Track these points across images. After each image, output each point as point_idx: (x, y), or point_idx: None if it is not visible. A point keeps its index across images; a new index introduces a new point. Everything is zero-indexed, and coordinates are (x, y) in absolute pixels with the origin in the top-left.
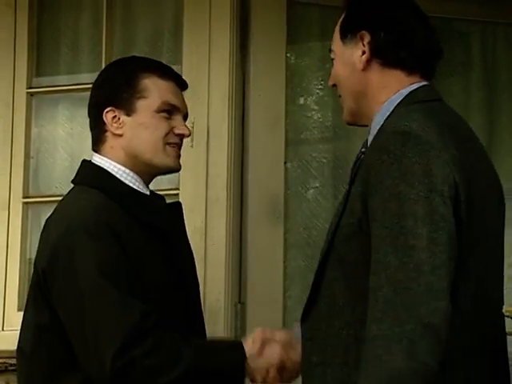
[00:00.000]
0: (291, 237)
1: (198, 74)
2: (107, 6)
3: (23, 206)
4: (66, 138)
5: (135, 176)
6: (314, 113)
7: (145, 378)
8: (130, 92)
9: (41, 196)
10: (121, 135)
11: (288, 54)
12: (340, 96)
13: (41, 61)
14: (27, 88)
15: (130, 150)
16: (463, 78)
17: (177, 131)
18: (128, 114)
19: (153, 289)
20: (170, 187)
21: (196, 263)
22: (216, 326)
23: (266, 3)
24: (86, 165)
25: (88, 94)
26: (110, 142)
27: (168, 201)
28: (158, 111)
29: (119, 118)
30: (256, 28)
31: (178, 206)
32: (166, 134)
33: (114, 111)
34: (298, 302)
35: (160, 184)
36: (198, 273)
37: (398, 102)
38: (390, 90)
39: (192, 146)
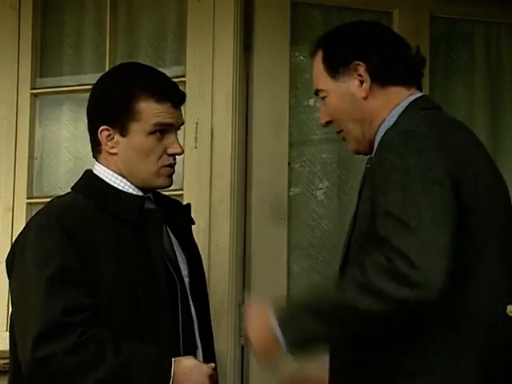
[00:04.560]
0: (295, 237)
1: (202, 75)
2: (111, 7)
3: (27, 207)
4: (70, 139)
5: (128, 182)
6: (318, 114)
7: (60, 375)
8: (125, 114)
9: (44, 197)
10: (115, 153)
11: (292, 55)
12: (341, 131)
13: (44, 62)
14: (31, 89)
15: (124, 168)
16: (467, 78)
17: (170, 151)
18: (122, 135)
19: (109, 278)
20: (174, 188)
21: None
22: (220, 326)
23: (269, 4)
24: (85, 173)
25: None
26: (105, 155)
27: None
28: (151, 133)
29: (113, 138)
30: (260, 29)
31: (184, 207)
32: (160, 157)
33: (108, 130)
34: None
35: None
36: None
37: (400, 112)
38: (391, 105)
39: (196, 147)
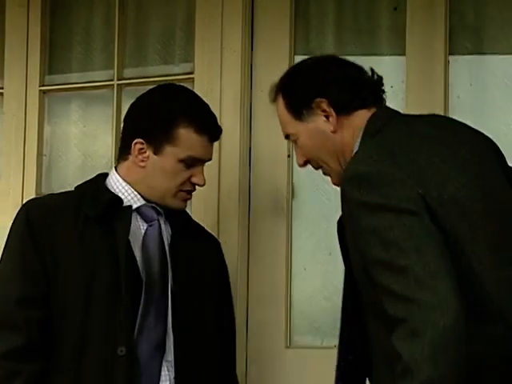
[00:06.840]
0: (296, 231)
1: (210, 71)
2: (119, 4)
3: None
4: (79, 136)
5: (134, 192)
6: None
7: None
8: (164, 135)
9: None
10: (143, 167)
11: (293, 52)
12: (319, 167)
13: (53, 59)
14: (40, 86)
15: (145, 182)
16: None
17: (194, 180)
18: (155, 153)
19: (62, 272)
20: None
21: None
22: None
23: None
24: (97, 177)
25: (101, 91)
26: (130, 164)
27: None
28: (182, 161)
29: (145, 152)
30: (261, 26)
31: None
32: (183, 182)
33: (142, 144)
34: (302, 300)
35: None
36: None
37: (360, 137)
38: (356, 130)
39: None
